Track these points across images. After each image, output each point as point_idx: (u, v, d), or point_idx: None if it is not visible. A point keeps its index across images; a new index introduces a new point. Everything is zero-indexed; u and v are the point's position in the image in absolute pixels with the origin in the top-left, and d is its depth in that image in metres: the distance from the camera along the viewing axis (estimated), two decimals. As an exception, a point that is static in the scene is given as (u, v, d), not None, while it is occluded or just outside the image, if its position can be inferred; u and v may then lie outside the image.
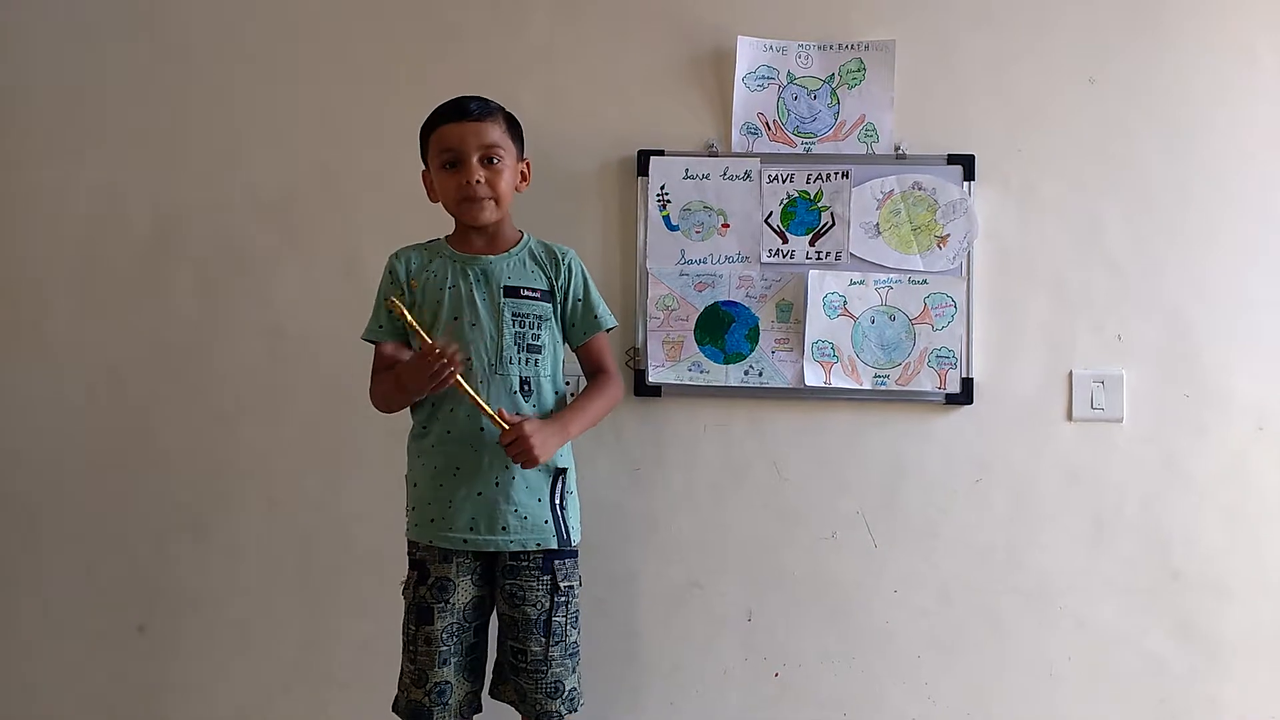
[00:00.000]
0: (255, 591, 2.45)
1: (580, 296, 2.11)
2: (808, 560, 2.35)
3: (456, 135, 2.00)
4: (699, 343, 2.34)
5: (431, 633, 1.98)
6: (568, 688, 2.02)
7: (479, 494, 1.98)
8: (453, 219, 2.09)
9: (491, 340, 2.01)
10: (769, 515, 2.35)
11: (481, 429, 1.98)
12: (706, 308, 2.34)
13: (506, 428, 1.94)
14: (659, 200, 2.35)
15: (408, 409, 2.06)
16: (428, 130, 2.05)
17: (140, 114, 2.48)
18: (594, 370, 2.14)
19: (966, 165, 2.30)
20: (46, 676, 2.50)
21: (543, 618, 2.00)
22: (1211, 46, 2.30)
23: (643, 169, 2.34)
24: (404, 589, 2.04)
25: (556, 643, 2.00)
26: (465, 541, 1.98)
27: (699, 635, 2.37)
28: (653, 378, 2.35)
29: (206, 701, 2.46)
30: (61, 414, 2.50)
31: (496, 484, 1.98)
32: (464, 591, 2.01)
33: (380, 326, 2.07)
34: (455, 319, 2.00)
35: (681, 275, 2.35)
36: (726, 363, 2.34)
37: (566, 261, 2.09)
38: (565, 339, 2.12)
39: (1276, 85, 2.29)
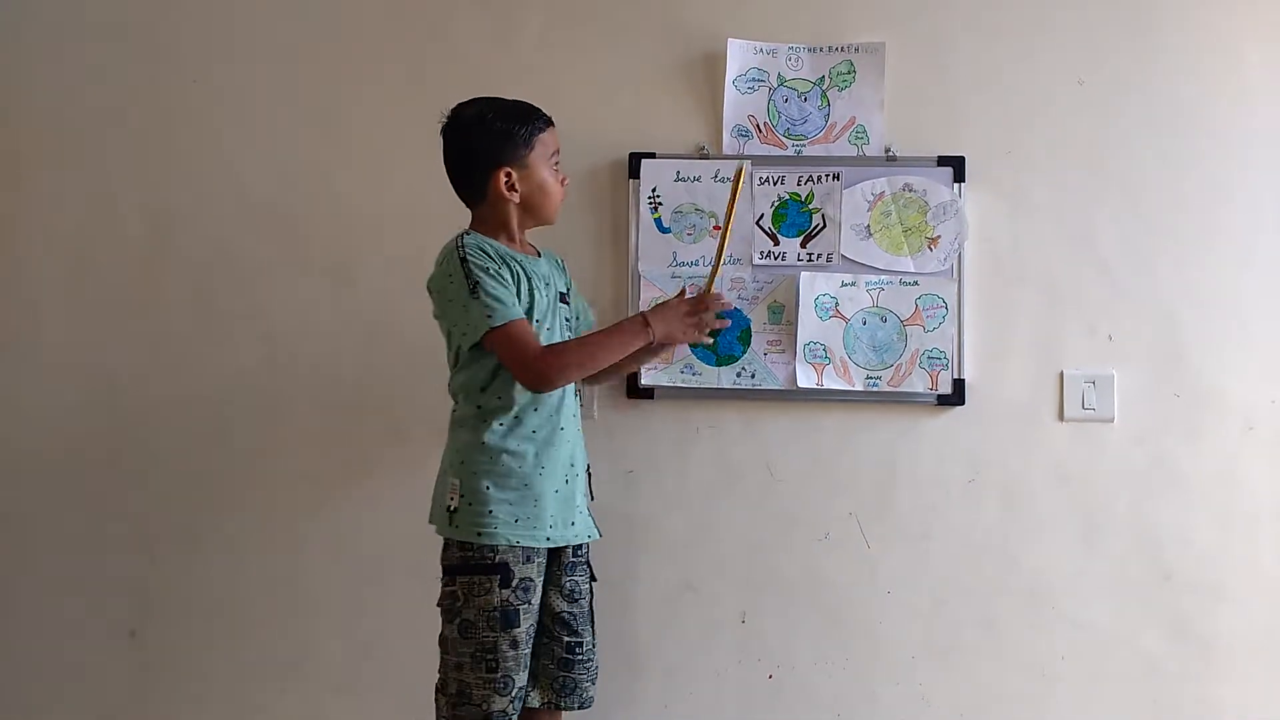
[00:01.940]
0: (249, 597, 2.45)
1: (578, 297, 2.20)
2: (801, 562, 2.35)
3: (557, 140, 2.06)
4: (691, 345, 2.35)
5: (518, 635, 1.96)
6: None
7: (555, 491, 2.01)
8: (490, 216, 2.04)
9: None
10: (762, 517, 2.35)
11: (562, 428, 2.00)
12: (698, 310, 2.35)
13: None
14: (650, 203, 2.35)
15: (475, 408, 1.99)
16: (533, 129, 2.02)
17: (133, 120, 2.48)
18: None
19: (957, 167, 2.30)
20: (37, 681, 2.49)
21: (588, 607, 2.10)
22: (1200, 50, 2.30)
23: (634, 172, 2.35)
24: (456, 600, 1.96)
25: (595, 629, 2.11)
26: (549, 539, 2.00)
27: (693, 637, 2.36)
28: (645, 380, 2.35)
29: (198, 707, 2.46)
30: (55, 420, 2.49)
31: (566, 481, 2.03)
32: (539, 591, 2.01)
33: (510, 305, 1.94)
34: (538, 322, 2.00)
35: (674, 277, 2.35)
36: (719, 365, 2.34)
37: (566, 265, 2.18)
38: None
39: (1264, 88, 2.29)
